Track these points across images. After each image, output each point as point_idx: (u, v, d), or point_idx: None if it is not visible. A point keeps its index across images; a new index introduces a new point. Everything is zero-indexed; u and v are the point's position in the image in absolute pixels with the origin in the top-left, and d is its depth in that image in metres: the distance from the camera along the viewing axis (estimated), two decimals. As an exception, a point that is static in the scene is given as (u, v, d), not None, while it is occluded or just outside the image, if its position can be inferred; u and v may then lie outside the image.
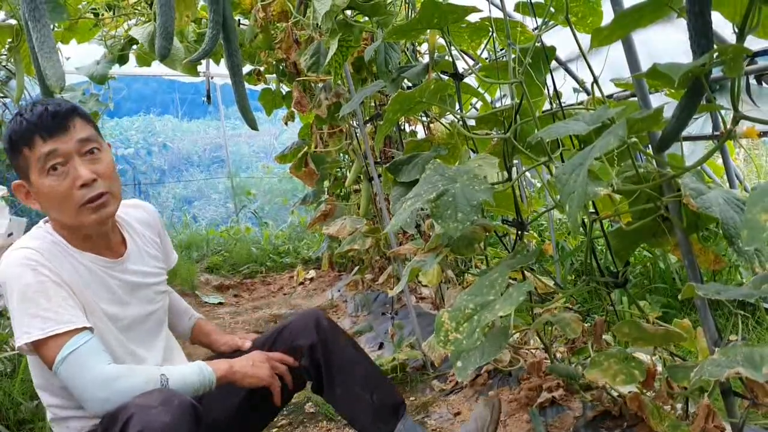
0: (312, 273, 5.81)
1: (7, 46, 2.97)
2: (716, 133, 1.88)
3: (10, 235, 3.40)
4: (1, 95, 5.32)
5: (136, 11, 3.31)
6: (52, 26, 2.12)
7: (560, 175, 1.18)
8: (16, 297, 1.41)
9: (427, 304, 3.45)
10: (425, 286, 3.66)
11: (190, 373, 1.50)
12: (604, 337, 1.92)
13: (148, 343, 1.66)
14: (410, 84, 2.31)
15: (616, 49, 1.40)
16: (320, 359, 1.77)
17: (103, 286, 1.56)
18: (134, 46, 3.63)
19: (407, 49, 2.54)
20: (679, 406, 1.70)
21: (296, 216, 7.16)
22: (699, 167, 1.31)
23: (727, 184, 2.31)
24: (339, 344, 1.81)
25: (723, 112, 1.34)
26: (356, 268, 4.46)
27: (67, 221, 1.52)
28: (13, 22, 2.82)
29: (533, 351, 2.34)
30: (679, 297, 1.32)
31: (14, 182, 1.54)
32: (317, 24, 2.07)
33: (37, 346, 1.41)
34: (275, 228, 7.34)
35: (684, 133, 1.26)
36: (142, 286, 1.67)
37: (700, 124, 2.72)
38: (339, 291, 4.89)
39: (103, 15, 3.31)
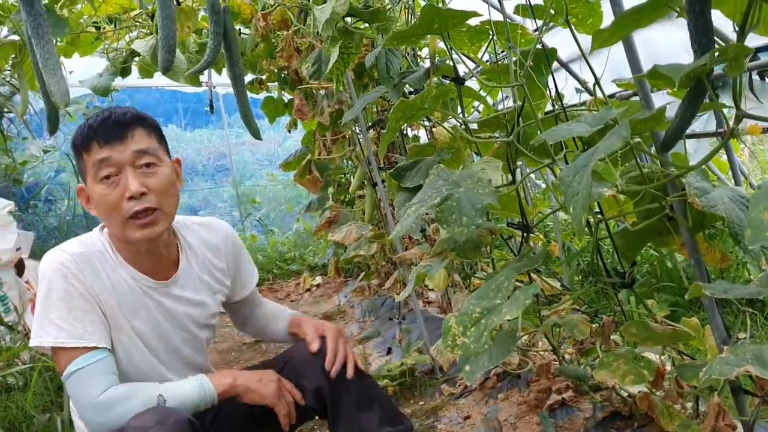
0: (319, 279, 5.81)
1: (10, 61, 2.99)
2: (720, 129, 1.87)
3: (18, 249, 3.42)
4: (6, 110, 5.36)
5: (138, 23, 3.32)
6: (54, 41, 2.14)
7: (564, 178, 1.18)
8: (41, 298, 1.43)
9: (435, 308, 3.44)
10: (432, 290, 3.66)
11: (189, 389, 1.46)
12: (612, 337, 1.92)
13: (181, 373, 1.60)
14: (412, 89, 2.31)
15: (618, 48, 1.40)
16: (327, 399, 1.63)
17: (141, 304, 1.53)
18: (136, 58, 3.64)
19: (408, 54, 2.55)
20: (689, 405, 1.70)
21: (301, 223, 7.17)
22: (707, 162, 1.31)
23: (733, 181, 2.31)
24: (347, 385, 1.64)
25: (726, 110, 1.33)
26: (362, 274, 4.46)
27: (116, 232, 1.50)
28: (16, 38, 2.84)
29: (542, 353, 2.34)
30: (686, 297, 1.31)
31: (79, 185, 1.53)
32: (318, 32, 2.07)
33: (53, 351, 1.43)
34: (281, 235, 7.35)
35: (688, 131, 1.26)
36: (181, 314, 1.61)
37: (704, 121, 2.71)
38: (346, 297, 4.90)
39: (104, 28, 3.32)
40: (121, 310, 1.50)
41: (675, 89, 1.18)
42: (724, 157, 2.72)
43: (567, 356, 2.12)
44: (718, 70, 1.31)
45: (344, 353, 1.64)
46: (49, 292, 1.42)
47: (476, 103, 2.51)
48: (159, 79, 5.09)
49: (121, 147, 1.45)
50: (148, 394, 1.41)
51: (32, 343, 1.43)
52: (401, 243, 2.87)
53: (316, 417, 1.72)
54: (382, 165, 3.21)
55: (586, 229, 1.77)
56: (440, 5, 2.13)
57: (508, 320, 1.53)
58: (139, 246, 1.52)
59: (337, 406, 1.64)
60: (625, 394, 1.86)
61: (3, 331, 3.03)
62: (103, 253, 1.51)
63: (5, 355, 2.67)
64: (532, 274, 2.11)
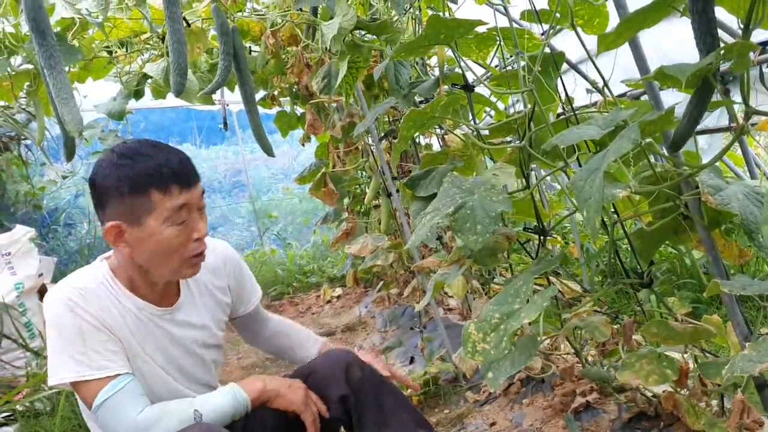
0: (338, 291, 5.82)
1: (25, 89, 3.05)
2: (732, 124, 1.86)
3: (40, 275, 3.47)
4: (23, 137, 5.45)
5: (149, 46, 3.37)
6: (67, 69, 2.18)
7: (576, 182, 1.18)
8: (54, 336, 1.41)
9: (455, 315, 3.44)
10: (452, 297, 3.65)
11: (222, 401, 1.48)
12: (634, 337, 1.91)
13: (194, 386, 1.63)
14: (422, 98, 2.33)
15: (627, 47, 1.40)
16: (352, 410, 1.65)
17: (148, 332, 1.53)
18: (149, 80, 3.69)
19: (417, 64, 2.57)
20: (714, 402, 1.68)
21: (319, 235, 7.19)
22: (719, 160, 1.30)
23: (748, 175, 2.29)
24: (372, 397, 1.67)
25: (736, 106, 1.33)
26: (380, 284, 4.47)
27: (163, 272, 1.48)
28: (30, 66, 2.89)
29: (564, 356, 2.33)
30: (704, 295, 1.31)
31: (109, 225, 1.41)
32: (326, 47, 2.09)
33: (74, 387, 1.42)
34: (299, 248, 7.37)
35: (700, 126, 1.26)
36: (186, 339, 1.61)
37: (717, 116, 2.70)
38: (366, 307, 4.90)
39: (116, 52, 3.37)
40: (134, 338, 1.50)
41: (682, 89, 1.18)
42: (739, 151, 2.70)
43: (590, 358, 2.11)
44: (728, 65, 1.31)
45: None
46: (60, 329, 1.40)
47: (488, 108, 2.53)
48: (172, 99, 5.14)
49: (194, 191, 1.44)
50: (184, 410, 1.43)
51: (51, 381, 1.41)
52: (418, 252, 2.88)
53: (342, 429, 1.73)
54: (396, 175, 3.22)
55: (602, 230, 1.76)
56: (447, 14, 2.15)
57: (529, 324, 1.54)
58: (170, 279, 1.55)
59: (361, 416, 1.65)
60: (649, 394, 1.85)
61: (29, 356, 3.08)
62: (105, 284, 1.50)
63: (32, 381, 2.71)
64: (551, 277, 2.11)
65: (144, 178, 1.38)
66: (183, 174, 1.42)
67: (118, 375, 1.41)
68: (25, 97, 3.42)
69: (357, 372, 1.69)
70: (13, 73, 2.75)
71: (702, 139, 2.78)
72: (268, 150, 2.16)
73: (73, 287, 1.45)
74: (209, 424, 1.42)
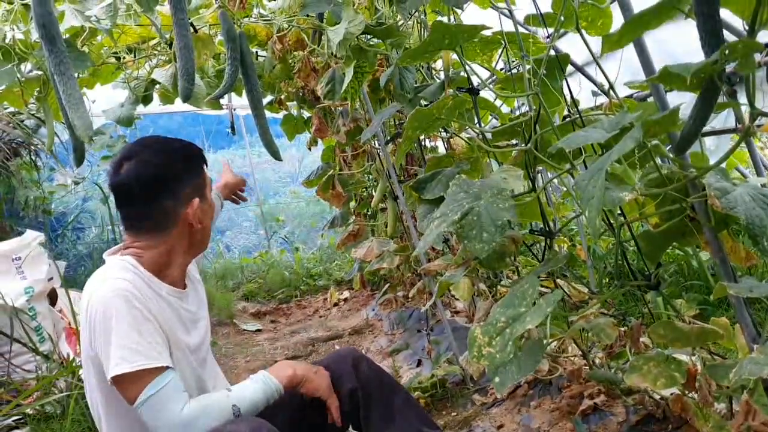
0: (346, 294, 5.83)
1: (35, 95, 3.06)
2: (740, 125, 1.85)
3: (50, 279, 3.49)
4: (33, 144, 5.48)
5: (157, 52, 3.39)
6: (77, 75, 2.20)
7: (580, 182, 1.18)
8: (111, 329, 1.42)
9: (462, 318, 3.44)
10: (459, 299, 3.65)
11: (256, 392, 1.53)
12: (642, 339, 1.91)
13: (208, 369, 1.71)
14: (427, 102, 2.33)
15: (633, 49, 1.41)
16: (360, 404, 1.72)
17: (177, 316, 1.60)
18: (157, 86, 3.71)
19: (422, 68, 2.57)
20: (723, 405, 1.68)
21: (326, 238, 7.21)
22: (725, 161, 1.30)
23: (755, 175, 2.28)
24: (380, 392, 1.74)
25: (742, 107, 1.33)
26: (386, 286, 4.47)
27: (203, 242, 1.68)
28: (39, 72, 2.91)
29: (572, 358, 2.33)
30: (711, 298, 1.31)
31: (189, 208, 1.59)
32: (332, 52, 2.10)
33: (119, 381, 1.42)
34: (306, 251, 7.39)
35: (708, 128, 1.25)
36: (199, 317, 1.71)
37: (724, 117, 2.68)
38: (374, 310, 4.91)
39: (124, 58, 3.39)
40: (168, 324, 1.54)
41: (688, 91, 1.18)
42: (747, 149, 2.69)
43: (597, 360, 2.11)
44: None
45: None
46: (119, 320, 1.42)
47: (493, 112, 2.53)
48: (180, 104, 5.16)
49: None
50: (223, 406, 1.47)
51: (113, 372, 1.42)
52: (425, 254, 2.88)
53: (350, 427, 1.76)
54: (402, 178, 3.23)
55: (609, 231, 1.76)
56: (452, 18, 2.15)
57: (534, 328, 1.54)
58: (192, 257, 1.72)
59: (369, 410, 1.72)
60: (657, 397, 1.84)
61: (39, 360, 3.09)
62: (141, 275, 1.55)
63: (41, 384, 2.73)
64: (558, 280, 2.11)
65: (195, 158, 1.65)
66: (203, 156, 1.70)
67: (167, 368, 1.44)
68: (34, 103, 3.45)
69: (365, 367, 1.77)
70: (24, 79, 2.76)
71: (709, 141, 2.76)
72: (275, 154, 2.17)
73: (124, 279, 1.49)
74: (260, 420, 1.46)
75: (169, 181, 1.56)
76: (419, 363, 3.23)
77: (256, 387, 1.54)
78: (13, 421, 2.57)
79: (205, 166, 1.68)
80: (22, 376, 2.94)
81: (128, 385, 1.43)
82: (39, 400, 2.62)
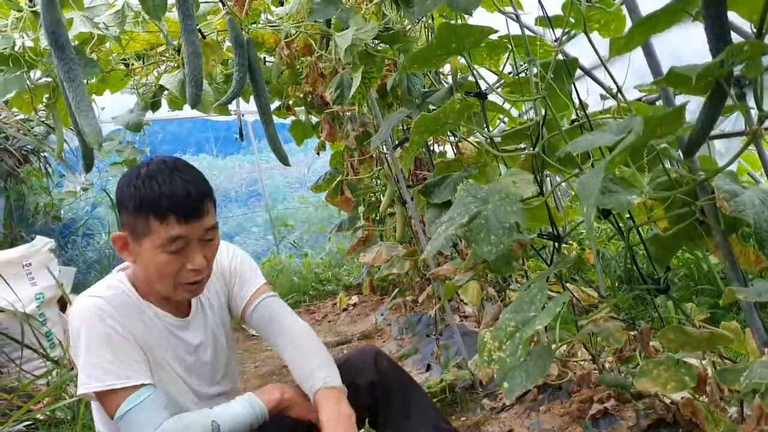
0: (354, 299, 5.83)
1: (44, 102, 3.09)
2: (749, 129, 1.84)
3: (60, 285, 3.51)
4: (42, 150, 5.52)
5: (165, 58, 3.41)
6: (85, 81, 2.21)
7: (582, 180, 1.17)
8: (82, 346, 1.43)
9: (472, 323, 3.43)
10: (467, 304, 3.65)
11: (240, 411, 1.50)
12: (652, 343, 1.90)
13: (212, 382, 1.68)
14: (435, 108, 2.33)
15: (642, 51, 1.40)
16: (379, 398, 1.72)
17: (167, 341, 1.57)
18: (166, 92, 3.73)
19: (429, 73, 2.57)
20: (733, 409, 1.67)
21: (334, 242, 7.22)
22: (736, 163, 1.30)
23: (766, 178, 2.27)
24: (398, 386, 1.75)
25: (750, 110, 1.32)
26: (396, 291, 4.47)
27: (159, 290, 1.52)
28: (49, 79, 2.93)
29: (581, 363, 2.32)
30: (721, 302, 1.30)
31: (116, 234, 1.49)
32: (339, 58, 2.11)
33: (98, 396, 1.44)
34: (315, 256, 7.40)
35: (717, 131, 1.25)
36: (201, 348, 1.66)
37: (733, 120, 2.67)
38: (382, 315, 4.90)
39: (133, 65, 3.41)
40: (155, 346, 1.53)
41: (696, 94, 1.17)
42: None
43: (607, 365, 2.10)
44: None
45: None
46: (90, 339, 1.42)
47: (501, 115, 2.53)
48: (189, 110, 5.19)
49: (197, 224, 1.44)
50: (203, 423, 1.44)
51: (80, 390, 1.43)
52: (434, 259, 2.88)
53: (366, 423, 1.74)
54: (410, 183, 3.23)
55: (619, 235, 1.76)
56: (459, 21, 2.15)
57: (543, 331, 1.53)
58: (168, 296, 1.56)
59: (388, 404, 1.72)
60: (668, 401, 1.83)
61: (49, 366, 3.11)
62: (128, 293, 1.53)
63: (52, 389, 2.74)
64: (567, 284, 2.10)
65: (145, 203, 1.41)
66: (185, 208, 1.42)
67: (143, 385, 1.43)
68: (44, 110, 3.47)
69: (385, 362, 1.77)
70: (33, 86, 2.78)
71: (719, 144, 2.75)
72: (283, 159, 2.18)
73: (100, 297, 1.48)
74: None
75: (118, 202, 1.49)
76: (428, 368, 3.23)
77: (241, 408, 1.51)
78: (24, 426, 2.58)
79: (163, 222, 1.41)
80: (32, 382, 2.96)
81: (104, 401, 1.44)
82: (49, 406, 2.63)
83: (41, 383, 2.94)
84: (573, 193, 3.78)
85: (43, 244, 3.56)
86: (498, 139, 2.00)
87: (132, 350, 1.46)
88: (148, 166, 1.46)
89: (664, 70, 1.35)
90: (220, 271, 1.74)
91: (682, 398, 1.71)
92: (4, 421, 2.49)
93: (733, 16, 1.12)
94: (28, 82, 2.65)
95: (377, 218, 4.39)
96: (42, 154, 5.86)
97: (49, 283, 3.39)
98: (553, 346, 1.76)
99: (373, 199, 4.38)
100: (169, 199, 1.40)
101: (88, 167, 2.32)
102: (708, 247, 1.50)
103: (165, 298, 1.57)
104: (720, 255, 1.45)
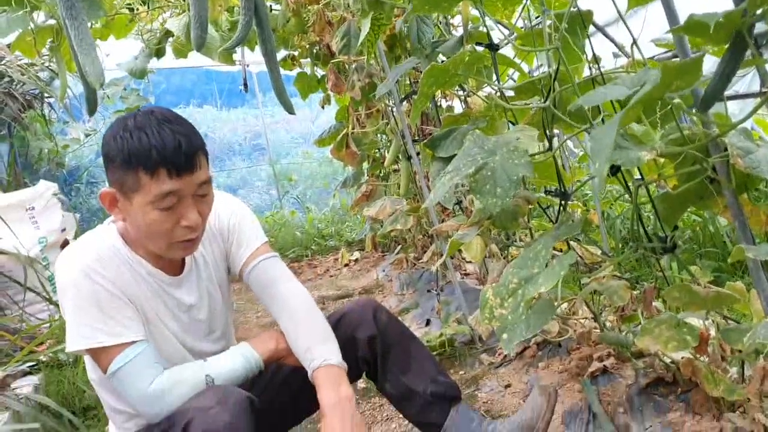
0: (356, 255, 5.85)
1: (48, 45, 3.04)
2: (765, 89, 1.80)
3: (63, 230, 3.51)
4: (47, 95, 5.48)
5: (170, 3, 3.35)
6: (89, 24, 2.17)
7: (594, 134, 1.14)
8: (69, 303, 1.39)
9: (473, 280, 3.44)
10: (470, 262, 3.65)
11: (234, 364, 1.48)
12: (654, 304, 1.89)
13: (207, 341, 1.64)
14: (445, 58, 2.29)
15: (657, 11, 1.36)
16: (378, 351, 1.71)
17: (160, 299, 1.53)
18: (170, 39, 3.68)
19: (440, 23, 2.52)
20: (734, 369, 1.67)
21: (337, 198, 7.22)
22: (747, 124, 1.27)
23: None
24: (397, 339, 1.73)
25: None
26: (399, 247, 4.48)
27: (153, 248, 1.46)
28: (52, 22, 2.88)
29: (582, 321, 2.33)
30: (729, 260, 1.28)
31: (104, 190, 1.42)
32: (348, 5, 2.06)
33: (89, 353, 1.42)
34: (318, 212, 7.41)
35: (731, 92, 1.22)
36: (194, 306, 1.61)
37: (748, 81, 2.63)
38: (384, 271, 4.92)
39: (138, 9, 3.36)
40: (147, 303, 1.49)
41: (715, 44, 1.14)
42: (770, 118, 2.64)
43: (608, 323, 2.10)
44: (762, 27, 1.26)
45: None
46: (77, 296, 1.38)
47: (511, 71, 2.48)
48: (194, 59, 5.12)
49: (190, 179, 1.37)
50: (196, 377, 1.43)
51: (69, 348, 1.40)
52: (437, 215, 2.87)
53: (364, 374, 1.76)
54: (416, 137, 3.20)
55: (627, 193, 1.74)
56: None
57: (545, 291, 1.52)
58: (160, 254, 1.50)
59: (386, 357, 1.71)
60: (668, 361, 1.83)
61: (52, 309, 3.13)
62: (118, 249, 1.48)
63: (53, 329, 2.76)
64: (571, 242, 2.09)
65: (134, 156, 1.33)
66: (177, 161, 1.34)
67: (134, 342, 1.40)
68: (47, 54, 3.42)
69: (384, 316, 1.74)
70: (36, 28, 2.73)
71: (733, 105, 2.71)
72: (288, 107, 2.14)
73: (87, 252, 1.43)
74: (228, 387, 1.42)
75: (104, 156, 1.41)
76: (428, 323, 3.24)
77: (234, 359, 1.49)
78: (27, 367, 2.61)
79: (153, 176, 1.34)
80: (36, 325, 2.98)
81: (95, 357, 1.42)
82: (52, 348, 2.66)
83: (44, 326, 2.96)
84: (580, 153, 3.75)
85: (46, 188, 3.55)
86: (509, 93, 1.97)
87: (122, 307, 1.42)
88: (135, 118, 1.39)
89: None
90: (218, 227, 1.68)
91: (682, 358, 1.71)
92: (7, 361, 2.52)
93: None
94: (31, 24, 2.61)
95: (381, 175, 4.37)
96: (46, 99, 5.81)
97: (53, 227, 3.39)
98: (555, 304, 1.76)
99: (378, 155, 4.35)
100: (159, 152, 1.32)
101: (92, 111, 2.29)
102: (717, 206, 1.49)
103: (157, 256, 1.51)
104: (729, 215, 1.43)
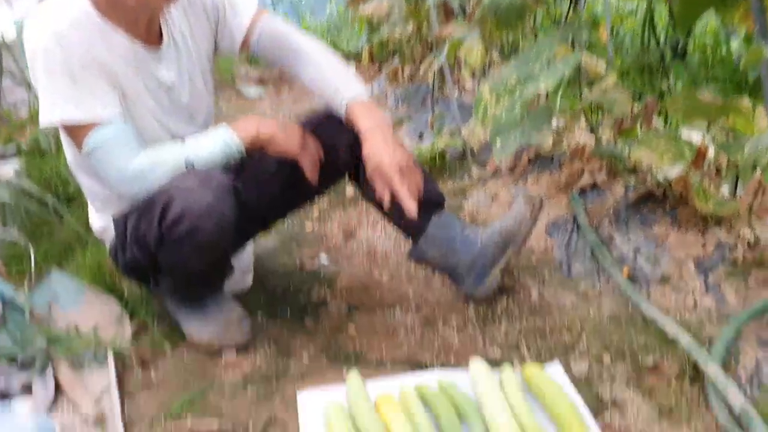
0: (352, 68, 5.68)
1: None
2: None
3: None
4: None
5: None
6: None
7: None
8: (41, 74, 1.31)
9: (470, 97, 3.34)
10: (469, 78, 3.53)
11: (214, 147, 1.41)
12: (654, 123, 1.83)
13: (189, 124, 1.56)
14: None
15: None
16: (360, 156, 1.55)
17: (138, 75, 1.43)
18: None
19: None
20: (726, 187, 1.65)
21: (334, 5, 6.90)
22: None
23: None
24: None
25: None
26: (396, 58, 4.32)
27: (128, 3, 1.34)
28: None
29: (578, 138, 2.28)
30: (741, 66, 1.20)
31: None
32: None
33: (64, 129, 1.37)
34: (313, 20, 7.10)
35: None
36: (174, 88, 1.51)
37: None
38: (379, 85, 4.79)
39: None
40: (124, 77, 1.39)
41: None
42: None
43: (605, 139, 2.05)
44: None
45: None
46: (49, 65, 1.29)
47: None
48: None
49: None
50: (176, 159, 1.38)
51: (42, 122, 1.34)
52: (438, 21, 2.71)
53: (347, 175, 1.71)
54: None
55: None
56: None
57: (545, 92, 1.45)
58: (143, 11, 1.38)
59: None
60: (661, 178, 1.80)
61: (33, 96, 3.02)
62: (90, 16, 1.35)
63: (32, 114, 2.67)
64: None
65: None
66: None
67: (111, 121, 1.34)
68: None
69: None
70: None
71: None
72: None
73: (59, 17, 1.31)
74: (211, 170, 1.39)
75: None
76: (421, 136, 3.18)
77: (214, 144, 1.42)
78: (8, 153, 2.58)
79: None
80: (16, 113, 2.91)
81: (70, 132, 1.36)
82: (32, 134, 2.60)
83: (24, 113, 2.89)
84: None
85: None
86: None
87: (96, 78, 1.33)
88: None
89: None
90: (201, 2, 1.54)
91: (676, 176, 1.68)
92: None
93: None
94: None
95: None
96: None
97: (28, 6, 3.19)
98: (552, 112, 1.70)
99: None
100: None
101: None
102: (738, 11, 1.38)
103: (132, 22, 1.40)
104: (750, 21, 1.32)
